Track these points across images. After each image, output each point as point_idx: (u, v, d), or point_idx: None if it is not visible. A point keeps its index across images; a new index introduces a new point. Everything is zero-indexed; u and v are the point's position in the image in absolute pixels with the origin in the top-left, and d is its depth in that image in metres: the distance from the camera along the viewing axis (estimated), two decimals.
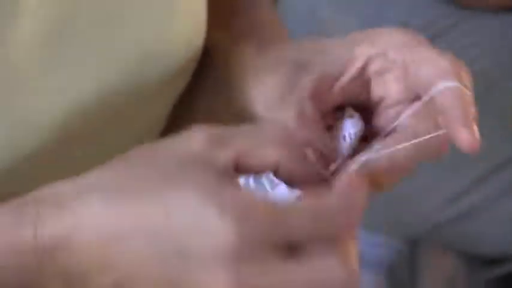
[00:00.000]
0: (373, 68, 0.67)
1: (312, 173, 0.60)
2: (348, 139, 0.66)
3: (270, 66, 0.74)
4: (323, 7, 1.39)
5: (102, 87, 0.74)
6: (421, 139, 0.61)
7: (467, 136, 0.60)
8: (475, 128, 0.60)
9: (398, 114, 0.65)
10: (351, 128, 0.67)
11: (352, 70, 0.66)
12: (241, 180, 0.58)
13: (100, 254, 0.56)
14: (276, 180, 0.59)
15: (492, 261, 1.38)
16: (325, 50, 0.70)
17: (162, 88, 0.80)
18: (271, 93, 0.71)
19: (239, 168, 0.57)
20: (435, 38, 0.98)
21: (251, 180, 0.58)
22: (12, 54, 0.70)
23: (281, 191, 0.60)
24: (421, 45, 0.66)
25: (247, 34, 0.84)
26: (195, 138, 0.57)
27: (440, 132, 0.61)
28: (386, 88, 0.67)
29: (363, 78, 0.67)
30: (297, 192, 0.59)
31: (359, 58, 0.67)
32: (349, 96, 0.67)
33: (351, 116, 0.67)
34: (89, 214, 0.57)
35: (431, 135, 0.62)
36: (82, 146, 0.74)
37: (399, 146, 0.61)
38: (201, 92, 0.92)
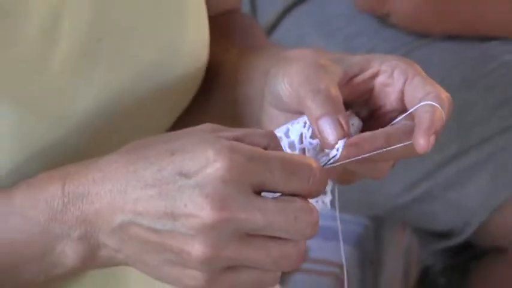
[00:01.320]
0: (380, 79, 0.73)
1: None
2: (352, 132, 0.71)
3: (291, 66, 0.74)
4: (312, 36, 1.42)
5: (124, 92, 0.81)
6: (392, 147, 0.66)
7: (422, 144, 0.65)
8: (432, 139, 0.65)
9: (390, 120, 0.71)
10: (355, 123, 0.72)
11: (367, 74, 0.73)
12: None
13: (112, 197, 0.65)
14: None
15: (440, 236, 1.48)
16: (343, 59, 0.74)
17: (175, 93, 0.85)
18: (296, 82, 0.72)
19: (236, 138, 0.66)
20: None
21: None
22: (54, 68, 0.76)
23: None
24: (419, 74, 0.71)
25: (253, 48, 0.88)
26: (202, 126, 0.66)
27: (407, 143, 0.66)
28: (387, 98, 0.73)
29: (370, 84, 0.73)
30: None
31: (373, 68, 0.72)
32: (357, 94, 0.73)
33: (352, 115, 0.73)
34: (111, 168, 0.66)
35: (401, 144, 0.67)
36: (104, 140, 0.79)
37: (379, 151, 0.67)
38: (208, 108, 0.92)
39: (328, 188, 0.68)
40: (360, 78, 0.72)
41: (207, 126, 0.65)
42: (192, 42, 0.86)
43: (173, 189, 0.62)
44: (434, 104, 0.67)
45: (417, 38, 1.46)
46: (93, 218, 0.66)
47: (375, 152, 0.65)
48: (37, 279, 0.73)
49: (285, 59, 0.77)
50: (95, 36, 0.79)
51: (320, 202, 0.69)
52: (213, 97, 0.90)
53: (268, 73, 0.75)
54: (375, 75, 0.72)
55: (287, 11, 1.53)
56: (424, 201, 1.43)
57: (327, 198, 0.69)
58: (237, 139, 0.63)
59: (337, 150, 0.66)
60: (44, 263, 0.69)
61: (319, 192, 0.62)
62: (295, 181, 0.60)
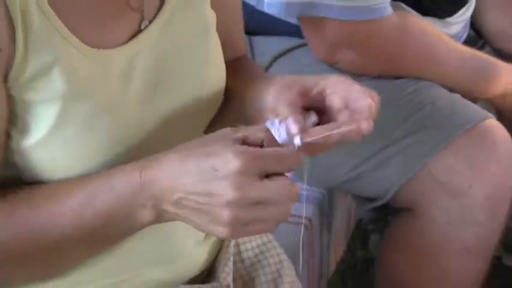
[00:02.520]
0: (328, 90, 0.95)
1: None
2: (310, 125, 0.93)
3: (271, 89, 1.01)
4: (304, 71, 1.59)
5: (174, 112, 1.04)
6: (340, 130, 0.89)
7: (366, 126, 0.88)
8: (371, 123, 0.89)
9: (337, 115, 0.94)
10: (311, 119, 0.94)
11: (317, 88, 0.96)
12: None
13: (171, 182, 0.87)
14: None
15: (369, 200, 1.68)
16: (303, 80, 0.98)
17: (205, 111, 1.09)
18: (272, 99, 0.99)
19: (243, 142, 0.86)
20: None
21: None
22: (131, 96, 1.00)
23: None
24: (353, 83, 0.96)
25: (253, 79, 1.14)
26: (222, 131, 0.89)
27: (350, 127, 0.89)
28: (334, 102, 0.94)
29: (321, 94, 0.95)
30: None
31: (321, 84, 0.96)
32: (313, 101, 0.96)
33: (311, 114, 0.95)
34: (165, 164, 0.89)
35: (345, 129, 0.89)
36: (161, 142, 0.97)
37: (332, 132, 0.90)
38: (225, 116, 1.15)
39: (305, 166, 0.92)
40: (314, 91, 0.96)
41: (225, 131, 0.89)
42: (215, 76, 1.10)
43: (209, 178, 0.84)
44: (369, 101, 0.91)
45: (354, 76, 1.47)
46: (159, 195, 0.88)
47: (320, 136, 0.89)
48: (123, 234, 0.98)
49: (269, 82, 1.03)
50: (155, 76, 1.02)
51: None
52: (228, 111, 1.14)
53: (262, 92, 1.03)
54: (323, 89, 0.95)
55: (273, 60, 1.71)
56: (360, 179, 1.62)
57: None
58: (245, 138, 0.87)
59: (299, 138, 0.89)
60: (129, 222, 0.93)
61: (295, 169, 0.87)
62: (281, 166, 0.86)
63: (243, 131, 0.88)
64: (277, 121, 0.90)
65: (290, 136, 0.89)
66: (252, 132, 0.89)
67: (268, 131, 0.89)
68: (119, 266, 1.06)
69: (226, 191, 0.82)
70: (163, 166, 0.88)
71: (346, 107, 0.92)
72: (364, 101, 0.91)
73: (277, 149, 0.88)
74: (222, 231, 0.85)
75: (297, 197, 0.86)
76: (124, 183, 0.89)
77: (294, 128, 0.88)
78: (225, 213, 0.83)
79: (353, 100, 0.93)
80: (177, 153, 0.89)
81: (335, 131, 0.89)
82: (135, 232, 0.96)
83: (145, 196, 0.89)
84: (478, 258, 1.59)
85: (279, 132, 0.90)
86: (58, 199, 0.92)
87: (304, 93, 0.95)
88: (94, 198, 0.90)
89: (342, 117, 0.92)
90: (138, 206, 0.90)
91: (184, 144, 0.90)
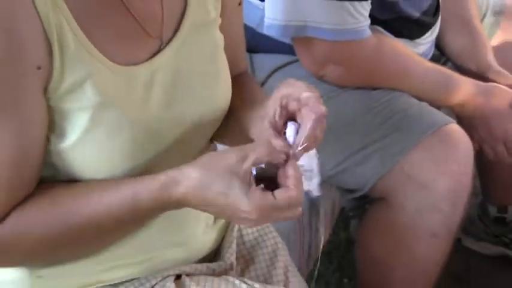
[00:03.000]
0: (284, 101, 0.94)
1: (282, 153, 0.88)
2: (294, 133, 0.92)
3: (260, 112, 1.00)
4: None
5: (189, 117, 1.03)
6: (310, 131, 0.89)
7: (318, 113, 0.90)
8: (320, 107, 0.90)
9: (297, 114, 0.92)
10: (292, 128, 0.92)
11: (278, 107, 0.94)
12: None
13: (192, 191, 0.88)
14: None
15: (350, 191, 1.68)
16: (265, 109, 0.98)
17: (211, 121, 1.08)
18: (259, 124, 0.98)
19: (253, 164, 0.87)
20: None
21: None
22: (151, 104, 0.99)
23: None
24: (296, 83, 0.95)
25: (252, 102, 1.11)
26: (229, 158, 0.88)
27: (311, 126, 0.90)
28: (291, 107, 0.93)
29: (285, 107, 0.93)
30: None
31: (279, 101, 0.94)
32: (292, 111, 0.93)
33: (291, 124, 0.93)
34: (189, 176, 0.88)
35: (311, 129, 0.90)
36: (177, 148, 1.00)
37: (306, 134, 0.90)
38: (229, 127, 1.14)
39: (315, 168, 0.97)
40: (291, 106, 0.93)
41: (233, 162, 0.87)
42: (223, 90, 1.09)
43: (231, 212, 0.88)
44: (322, 108, 0.91)
45: (337, 87, 1.63)
46: (182, 200, 0.90)
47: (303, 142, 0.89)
48: (149, 219, 1.00)
49: (257, 109, 1.03)
50: (172, 89, 1.01)
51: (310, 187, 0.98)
52: (228, 122, 1.12)
53: (259, 111, 1.01)
54: (283, 102, 0.93)
55: (270, 74, 1.68)
56: (343, 173, 1.61)
57: (312, 181, 0.99)
58: (255, 163, 0.87)
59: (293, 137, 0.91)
60: (157, 212, 0.95)
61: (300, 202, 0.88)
62: (291, 214, 0.88)
63: (250, 158, 0.87)
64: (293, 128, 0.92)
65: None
66: (260, 157, 0.88)
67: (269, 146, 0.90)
68: (142, 248, 1.06)
69: (250, 215, 0.86)
70: (188, 194, 0.90)
71: (298, 105, 0.92)
72: (306, 93, 0.91)
73: (289, 195, 0.86)
74: (247, 224, 0.93)
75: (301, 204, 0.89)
76: (151, 198, 0.92)
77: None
78: (249, 224, 0.92)
79: (299, 97, 0.92)
80: (196, 168, 0.90)
81: (310, 131, 0.90)
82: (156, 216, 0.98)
83: (171, 198, 0.91)
84: (442, 241, 1.58)
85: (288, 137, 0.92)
86: (91, 199, 0.92)
87: (273, 118, 0.94)
88: (123, 204, 0.93)
89: (301, 115, 0.92)
90: (165, 203, 0.92)
91: (202, 159, 0.92)
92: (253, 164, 0.86)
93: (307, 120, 0.90)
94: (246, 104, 1.11)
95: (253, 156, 0.86)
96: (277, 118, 0.93)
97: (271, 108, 0.94)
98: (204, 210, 0.91)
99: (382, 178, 1.55)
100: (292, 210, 0.86)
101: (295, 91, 0.93)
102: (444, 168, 1.52)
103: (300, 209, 0.88)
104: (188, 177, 0.88)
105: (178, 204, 0.90)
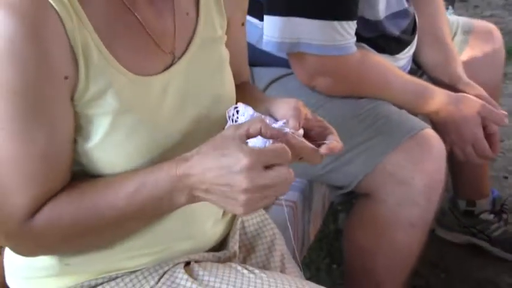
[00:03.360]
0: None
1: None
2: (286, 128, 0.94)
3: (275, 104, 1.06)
4: (291, 93, 1.56)
5: (199, 117, 1.03)
6: (299, 140, 0.94)
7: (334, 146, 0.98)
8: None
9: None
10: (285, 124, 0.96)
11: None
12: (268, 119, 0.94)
13: (200, 177, 0.87)
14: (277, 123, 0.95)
15: (339, 187, 1.64)
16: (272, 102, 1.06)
17: (220, 123, 1.03)
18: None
19: (246, 131, 0.87)
20: (314, 112, 1.07)
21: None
22: (166, 107, 0.99)
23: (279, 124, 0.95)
24: (301, 109, 0.99)
25: (256, 98, 1.13)
26: (230, 128, 0.90)
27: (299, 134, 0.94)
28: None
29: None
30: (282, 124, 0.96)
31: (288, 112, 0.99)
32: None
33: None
34: (192, 163, 0.88)
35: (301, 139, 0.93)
36: (187, 141, 0.97)
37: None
38: None
39: None
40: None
41: (230, 130, 0.89)
42: (227, 97, 1.09)
43: (227, 173, 0.84)
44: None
45: (329, 96, 1.63)
46: (192, 186, 0.89)
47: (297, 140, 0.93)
48: (163, 212, 0.99)
49: (269, 102, 1.08)
50: (183, 96, 1.01)
51: None
52: None
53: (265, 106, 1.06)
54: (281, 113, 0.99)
55: (269, 85, 1.68)
56: (332, 172, 1.59)
57: None
58: (247, 130, 0.87)
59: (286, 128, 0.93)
60: (168, 204, 0.93)
61: (290, 161, 0.87)
62: (278, 159, 0.85)
63: (243, 126, 0.88)
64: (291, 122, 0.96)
65: (281, 128, 0.93)
66: (250, 124, 0.88)
67: (263, 121, 0.91)
68: (158, 240, 1.06)
69: (241, 182, 0.83)
70: (193, 163, 0.88)
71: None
72: (327, 127, 1.00)
73: (274, 146, 0.88)
74: (238, 209, 0.86)
75: (293, 178, 0.87)
76: (165, 177, 0.90)
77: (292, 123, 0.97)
78: (241, 198, 0.84)
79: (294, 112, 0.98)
80: (200, 154, 0.89)
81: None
82: (173, 211, 0.97)
83: (181, 186, 0.89)
84: (419, 231, 1.58)
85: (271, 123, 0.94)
86: (115, 188, 0.92)
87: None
88: (142, 187, 0.91)
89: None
90: (176, 194, 0.90)
91: (204, 144, 0.90)
92: (247, 132, 0.88)
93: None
94: (248, 101, 1.08)
95: (247, 125, 0.88)
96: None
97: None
98: (204, 182, 0.88)
99: (366, 176, 1.54)
100: (279, 158, 0.86)
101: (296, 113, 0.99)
102: (421, 167, 1.51)
103: (288, 171, 0.87)
104: (191, 153, 0.90)
105: (184, 178, 0.89)
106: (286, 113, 1.00)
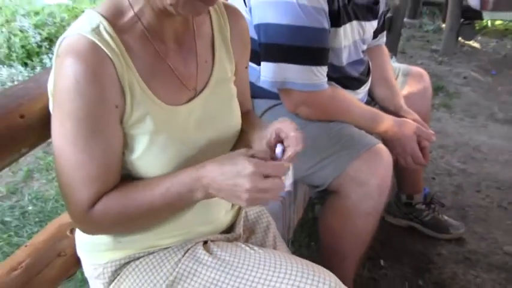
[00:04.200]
0: (278, 131, 0.94)
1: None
2: (279, 151, 0.92)
3: (259, 134, 1.01)
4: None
5: (212, 140, 1.01)
6: (293, 152, 0.91)
7: (299, 148, 0.91)
8: (301, 144, 0.91)
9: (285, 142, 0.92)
10: (280, 147, 0.93)
11: (274, 132, 0.95)
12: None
13: (214, 179, 0.86)
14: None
15: (315, 187, 1.59)
16: (267, 131, 0.97)
17: (229, 140, 1.05)
18: (258, 141, 0.99)
19: (252, 154, 0.86)
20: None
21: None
22: (190, 127, 0.97)
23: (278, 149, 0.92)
24: (289, 123, 0.95)
25: (254, 127, 1.07)
26: (240, 151, 0.88)
27: (295, 149, 0.91)
28: (282, 136, 0.93)
29: (278, 134, 0.94)
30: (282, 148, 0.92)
31: (274, 130, 0.94)
32: (278, 138, 0.94)
33: (279, 145, 0.93)
34: (209, 169, 0.87)
35: (294, 151, 0.91)
36: (204, 155, 0.93)
37: (292, 153, 0.91)
38: (239, 144, 1.08)
39: (290, 173, 0.91)
40: (281, 134, 0.93)
41: (242, 151, 0.88)
42: (235, 122, 1.07)
43: (235, 177, 0.83)
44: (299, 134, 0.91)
45: (308, 120, 1.56)
46: (207, 185, 0.88)
47: (289, 155, 0.90)
48: (186, 205, 0.96)
49: (259, 131, 1.02)
50: (203, 120, 1.00)
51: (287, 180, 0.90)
52: (240, 139, 1.08)
53: (258, 133, 1.01)
54: (277, 131, 0.94)
55: (264, 112, 1.63)
56: (311, 175, 1.55)
57: (288, 181, 0.90)
58: (254, 155, 0.86)
59: (280, 153, 0.91)
60: (190, 199, 0.91)
61: (283, 174, 0.86)
62: (275, 172, 0.84)
63: (252, 151, 0.88)
64: (280, 148, 0.93)
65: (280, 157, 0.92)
66: (257, 152, 0.88)
67: (268, 152, 0.92)
68: (181, 225, 1.04)
69: (245, 184, 0.83)
70: (209, 169, 0.87)
71: (286, 136, 0.93)
72: (292, 132, 0.92)
73: (273, 162, 0.88)
74: (242, 203, 0.85)
75: (283, 188, 0.87)
76: (188, 179, 0.89)
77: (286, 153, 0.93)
78: (244, 196, 0.84)
79: (289, 133, 0.93)
80: (215, 162, 0.88)
81: (292, 153, 0.92)
82: (194, 204, 0.97)
83: (199, 186, 0.88)
84: (373, 218, 1.55)
85: (277, 153, 0.93)
86: (152, 187, 0.91)
87: (269, 140, 0.97)
88: (171, 186, 0.90)
89: (288, 142, 0.93)
90: (195, 191, 0.89)
91: (218, 157, 0.89)
92: (253, 154, 0.87)
93: (293, 142, 0.92)
94: (250, 128, 1.08)
95: (253, 150, 0.89)
96: (272, 140, 0.95)
97: (269, 133, 0.95)
98: (216, 182, 0.87)
99: (335, 179, 1.51)
100: (276, 172, 0.84)
101: (285, 126, 0.94)
102: (374, 172, 1.48)
103: (281, 181, 0.86)
104: (208, 162, 0.89)
105: (201, 179, 0.88)
106: (285, 128, 0.97)
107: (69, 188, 0.87)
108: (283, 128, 0.93)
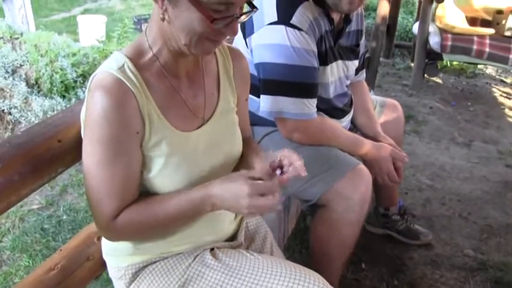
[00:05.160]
0: (280, 157, 0.91)
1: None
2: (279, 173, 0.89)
3: (259, 159, 1.00)
4: (276, 143, 1.49)
5: (217, 161, 0.98)
6: (291, 174, 0.89)
7: (303, 173, 0.89)
8: (304, 169, 0.89)
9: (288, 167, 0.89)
10: (278, 172, 0.89)
11: (275, 159, 0.91)
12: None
13: (220, 196, 0.84)
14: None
15: (306, 201, 1.56)
16: (267, 157, 0.93)
17: (232, 162, 1.03)
18: (259, 163, 0.97)
19: (253, 174, 0.84)
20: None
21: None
22: (199, 151, 0.95)
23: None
24: (291, 152, 0.91)
25: (253, 152, 1.06)
26: (240, 172, 0.87)
27: (295, 173, 0.89)
28: (284, 162, 0.90)
29: (280, 161, 0.90)
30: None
31: (276, 156, 0.91)
32: (279, 163, 0.90)
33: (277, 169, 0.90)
34: (215, 187, 0.86)
35: (294, 173, 0.89)
36: (208, 178, 0.90)
37: (290, 174, 0.89)
38: (240, 165, 1.05)
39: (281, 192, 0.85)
40: (284, 161, 0.90)
41: (242, 172, 0.87)
42: (237, 147, 1.04)
43: (237, 196, 0.82)
44: (299, 161, 0.89)
45: (301, 144, 1.50)
46: (214, 200, 0.86)
47: (288, 176, 0.88)
48: (196, 217, 0.94)
49: (259, 156, 1.00)
50: (210, 144, 0.98)
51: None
52: (240, 162, 1.05)
53: (257, 157, 1.00)
54: (279, 157, 0.90)
55: (262, 138, 1.58)
56: (303, 192, 1.51)
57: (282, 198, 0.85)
58: (252, 175, 0.84)
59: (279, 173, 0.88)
60: (199, 212, 0.90)
61: (275, 194, 0.82)
62: (270, 191, 0.82)
63: (251, 172, 0.86)
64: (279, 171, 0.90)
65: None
66: (256, 172, 0.87)
67: (267, 172, 0.89)
68: (191, 235, 1.02)
69: (245, 202, 0.82)
70: (215, 188, 0.86)
71: (290, 164, 0.90)
72: (298, 161, 0.90)
73: (268, 182, 0.85)
74: (243, 214, 0.86)
75: (277, 204, 0.84)
76: (198, 195, 0.88)
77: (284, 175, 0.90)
78: (244, 211, 0.83)
79: (292, 160, 0.90)
80: (220, 182, 0.87)
81: (290, 175, 0.89)
82: (203, 215, 0.94)
83: (207, 201, 0.87)
84: (356, 227, 1.52)
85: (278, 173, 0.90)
86: (167, 201, 0.90)
87: (270, 163, 0.92)
88: (183, 201, 0.89)
89: (288, 168, 0.90)
90: (204, 205, 0.88)
91: (224, 177, 0.88)
92: (253, 176, 0.84)
93: (298, 169, 0.90)
94: (250, 152, 1.07)
95: (253, 171, 0.87)
96: (275, 164, 0.91)
97: (275, 157, 0.92)
98: (222, 200, 0.85)
99: (323, 194, 1.48)
100: (270, 191, 0.82)
101: (290, 155, 0.91)
102: (357, 188, 1.45)
103: (275, 198, 0.83)
104: (214, 181, 0.87)
105: (210, 196, 0.86)
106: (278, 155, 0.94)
107: (96, 201, 0.86)
108: (289, 157, 0.91)
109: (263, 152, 1.01)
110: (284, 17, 1.36)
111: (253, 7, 0.85)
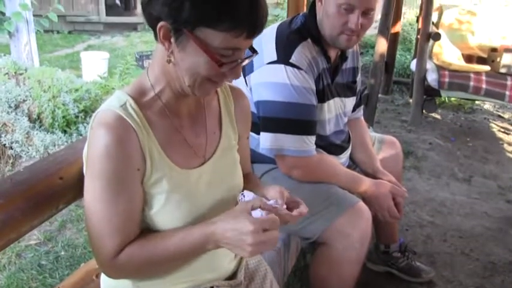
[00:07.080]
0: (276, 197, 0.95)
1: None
2: (275, 205, 0.90)
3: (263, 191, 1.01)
4: (277, 179, 1.50)
5: (218, 196, 0.97)
6: (283, 211, 0.91)
7: (304, 211, 0.95)
8: (305, 208, 0.94)
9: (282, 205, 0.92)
10: (275, 203, 0.91)
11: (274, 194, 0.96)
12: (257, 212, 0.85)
13: (222, 236, 0.83)
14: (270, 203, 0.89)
15: (305, 239, 1.55)
16: (268, 188, 0.99)
17: (233, 198, 1.01)
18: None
19: (252, 205, 0.85)
20: (290, 192, 1.01)
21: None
22: (201, 187, 0.95)
23: (272, 203, 0.90)
24: (284, 190, 0.96)
25: (256, 184, 1.08)
26: (240, 206, 0.86)
27: (297, 212, 0.93)
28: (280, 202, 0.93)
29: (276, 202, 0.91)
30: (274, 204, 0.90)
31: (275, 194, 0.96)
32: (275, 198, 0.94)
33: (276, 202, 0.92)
34: (217, 226, 0.84)
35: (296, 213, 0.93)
36: (209, 214, 0.91)
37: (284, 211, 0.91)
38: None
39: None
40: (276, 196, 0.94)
41: (242, 205, 0.86)
42: (238, 182, 1.04)
43: (240, 234, 0.81)
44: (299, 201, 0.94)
45: (299, 181, 1.52)
46: (216, 239, 0.85)
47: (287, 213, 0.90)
48: (197, 254, 0.92)
49: (264, 188, 1.03)
50: (211, 180, 0.98)
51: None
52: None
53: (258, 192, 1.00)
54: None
55: (262, 175, 1.58)
56: (302, 229, 1.50)
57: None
58: (252, 206, 0.84)
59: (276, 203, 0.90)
60: (201, 250, 0.88)
61: (278, 227, 0.82)
62: (273, 226, 0.82)
63: (249, 203, 0.86)
64: (279, 201, 0.93)
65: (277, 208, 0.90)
66: (253, 203, 0.87)
67: (262, 200, 0.90)
68: (190, 272, 1.00)
69: (248, 239, 0.80)
70: (217, 227, 0.85)
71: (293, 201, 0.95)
72: (298, 201, 0.96)
73: (270, 217, 0.84)
74: (245, 254, 0.83)
75: (276, 241, 0.84)
76: (200, 233, 0.87)
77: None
78: (248, 249, 0.81)
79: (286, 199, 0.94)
80: (223, 220, 0.85)
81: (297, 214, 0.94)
82: (203, 253, 0.92)
83: (210, 239, 0.86)
84: (356, 265, 1.51)
85: (276, 204, 0.91)
86: (168, 239, 0.88)
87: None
88: (185, 240, 0.87)
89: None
90: (207, 244, 0.87)
91: (224, 214, 0.86)
92: (251, 207, 0.85)
93: (302, 210, 0.97)
94: (253, 186, 1.08)
95: (251, 203, 0.86)
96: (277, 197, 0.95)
97: (277, 192, 0.97)
98: (225, 238, 0.84)
99: (323, 232, 1.47)
100: (273, 225, 0.82)
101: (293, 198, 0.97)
102: (357, 225, 1.44)
103: (277, 232, 0.83)
104: (217, 219, 0.86)
105: (212, 235, 0.85)
106: (274, 195, 0.97)
107: (97, 238, 0.86)
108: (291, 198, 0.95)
109: (266, 187, 1.03)
110: (284, 56, 1.39)
111: (253, 51, 0.86)
